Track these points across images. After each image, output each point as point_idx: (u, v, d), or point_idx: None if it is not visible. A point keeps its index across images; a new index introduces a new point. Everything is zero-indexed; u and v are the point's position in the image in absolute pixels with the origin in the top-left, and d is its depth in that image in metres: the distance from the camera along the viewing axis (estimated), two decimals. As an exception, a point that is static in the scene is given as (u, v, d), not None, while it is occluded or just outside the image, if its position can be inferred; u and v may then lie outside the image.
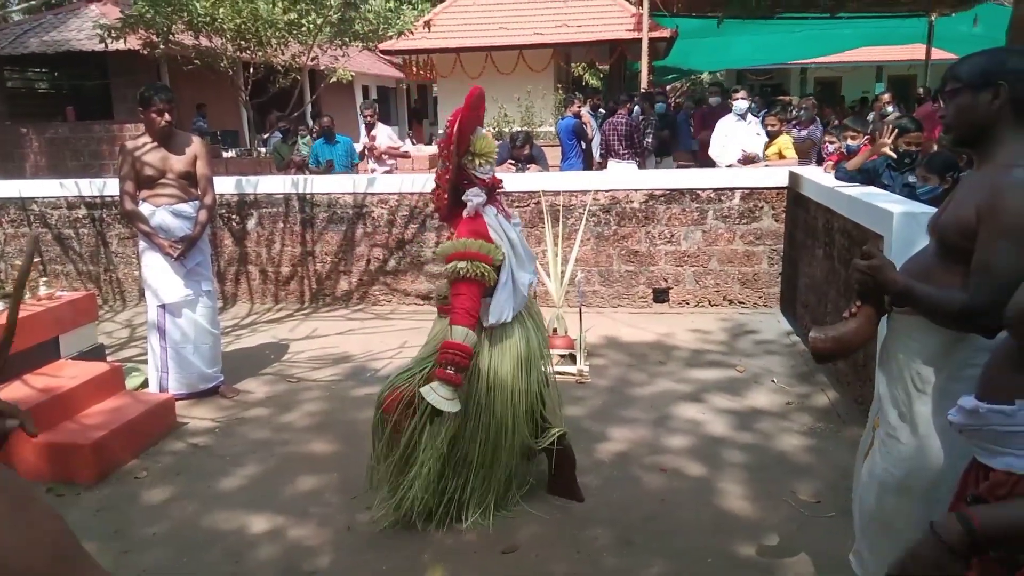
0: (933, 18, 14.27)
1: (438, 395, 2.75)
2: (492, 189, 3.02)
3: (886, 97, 8.89)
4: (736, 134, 7.87)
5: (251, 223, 6.53)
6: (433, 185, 3.02)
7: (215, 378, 4.54)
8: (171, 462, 3.74)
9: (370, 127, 8.40)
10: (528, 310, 3.13)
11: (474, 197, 2.90)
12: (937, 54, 14.91)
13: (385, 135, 8.54)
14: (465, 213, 2.90)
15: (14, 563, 0.73)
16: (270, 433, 4.04)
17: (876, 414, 2.21)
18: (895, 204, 3.62)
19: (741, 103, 8.05)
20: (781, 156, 7.37)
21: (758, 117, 8.51)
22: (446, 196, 2.93)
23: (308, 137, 9.84)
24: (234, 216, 6.52)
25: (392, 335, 5.59)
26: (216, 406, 4.41)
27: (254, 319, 6.24)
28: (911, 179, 4.51)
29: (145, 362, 4.62)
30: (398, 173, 8.57)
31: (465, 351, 2.78)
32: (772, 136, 7.61)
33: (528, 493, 3.23)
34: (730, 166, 7.46)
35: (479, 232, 2.86)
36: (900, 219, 3.36)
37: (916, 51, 16.67)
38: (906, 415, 2.04)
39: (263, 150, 12.02)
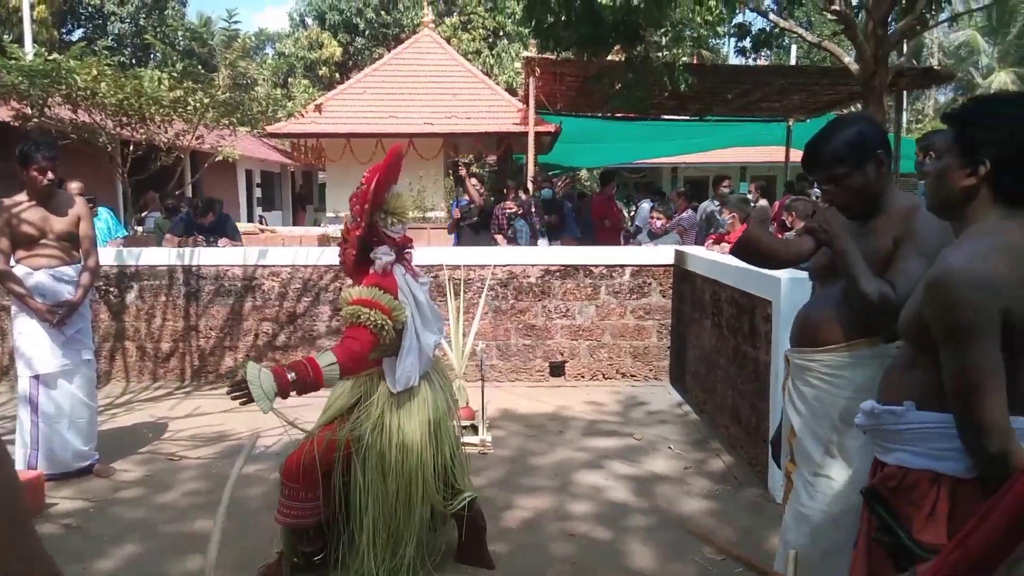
0: (791, 123, 15.66)
1: (261, 382, 2.54)
2: (402, 248, 3.01)
3: (751, 187, 9.41)
4: None
5: (131, 296, 6.19)
6: (340, 239, 2.99)
7: (90, 456, 4.19)
8: (37, 546, 3.37)
9: None
10: (435, 370, 3.10)
11: (383, 256, 2.87)
12: (795, 155, 16.34)
13: None
14: (373, 270, 2.87)
15: None
16: (149, 513, 3.74)
17: (787, 459, 2.29)
18: (780, 271, 3.87)
19: None
20: None
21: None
22: (354, 252, 2.90)
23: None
24: (112, 289, 6.17)
25: (282, 411, 5.33)
26: (88, 486, 4.05)
27: (130, 398, 5.83)
28: None
29: (11, 441, 4.21)
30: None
31: (318, 380, 2.66)
32: None
33: (438, 562, 3.12)
34: None
35: (387, 288, 2.83)
36: (787, 284, 3.60)
37: (775, 153, 18.21)
38: (835, 451, 2.11)
39: (139, 229, 11.51)
